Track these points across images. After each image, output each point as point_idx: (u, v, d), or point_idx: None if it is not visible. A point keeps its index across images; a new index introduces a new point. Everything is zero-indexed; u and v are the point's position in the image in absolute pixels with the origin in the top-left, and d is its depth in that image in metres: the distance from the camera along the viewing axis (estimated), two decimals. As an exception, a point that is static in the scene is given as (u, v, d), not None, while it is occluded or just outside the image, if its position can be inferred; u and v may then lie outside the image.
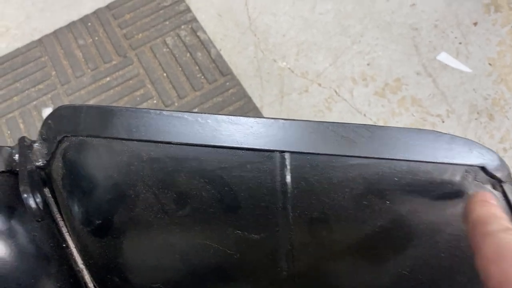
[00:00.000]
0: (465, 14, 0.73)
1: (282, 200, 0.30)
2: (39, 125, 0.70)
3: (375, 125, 0.30)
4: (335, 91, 0.67)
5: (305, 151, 0.29)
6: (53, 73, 0.73)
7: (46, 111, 0.71)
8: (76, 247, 0.33)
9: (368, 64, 0.70)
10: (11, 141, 0.68)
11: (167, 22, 0.76)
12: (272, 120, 0.30)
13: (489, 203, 0.27)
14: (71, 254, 0.34)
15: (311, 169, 0.29)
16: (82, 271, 0.35)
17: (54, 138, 0.32)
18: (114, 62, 0.74)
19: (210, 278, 0.32)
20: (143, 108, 0.33)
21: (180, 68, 0.72)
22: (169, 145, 0.30)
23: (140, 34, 0.76)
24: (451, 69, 0.68)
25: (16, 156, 0.33)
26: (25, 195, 0.29)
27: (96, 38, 0.76)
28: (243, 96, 0.68)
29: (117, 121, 0.30)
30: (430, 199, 0.30)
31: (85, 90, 0.71)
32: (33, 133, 0.71)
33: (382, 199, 0.30)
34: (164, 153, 0.30)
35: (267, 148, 0.30)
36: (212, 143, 0.30)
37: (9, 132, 0.70)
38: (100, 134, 0.30)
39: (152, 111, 0.30)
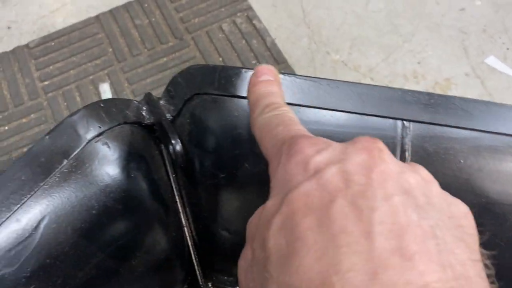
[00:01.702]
0: (511, 22, 0.76)
1: None
2: (95, 98, 0.71)
3: (491, 101, 0.31)
4: (386, 86, 0.69)
5: (427, 121, 0.31)
6: (110, 50, 0.75)
7: (103, 86, 0.72)
8: (189, 200, 0.35)
9: (418, 63, 0.72)
10: (67, 113, 0.69)
11: (223, 9, 0.78)
12: (399, 91, 0.32)
13: (260, 83, 0.26)
14: (178, 211, 0.36)
15: (430, 139, 0.31)
16: (185, 226, 0.36)
17: (183, 96, 0.33)
18: (170, 44, 0.75)
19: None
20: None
21: (236, 54, 0.74)
22: (297, 107, 0.32)
23: (197, 19, 0.77)
24: (499, 73, 0.71)
25: (143, 110, 0.34)
26: (173, 141, 0.31)
27: (153, 19, 0.77)
28: (296, 85, 0.69)
29: None
30: None
31: (142, 69, 0.73)
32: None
33: (493, 172, 0.32)
34: None
35: (391, 116, 0.31)
36: (337, 108, 0.31)
37: (65, 103, 0.71)
38: (234, 93, 0.32)
39: (282, 75, 0.32)
